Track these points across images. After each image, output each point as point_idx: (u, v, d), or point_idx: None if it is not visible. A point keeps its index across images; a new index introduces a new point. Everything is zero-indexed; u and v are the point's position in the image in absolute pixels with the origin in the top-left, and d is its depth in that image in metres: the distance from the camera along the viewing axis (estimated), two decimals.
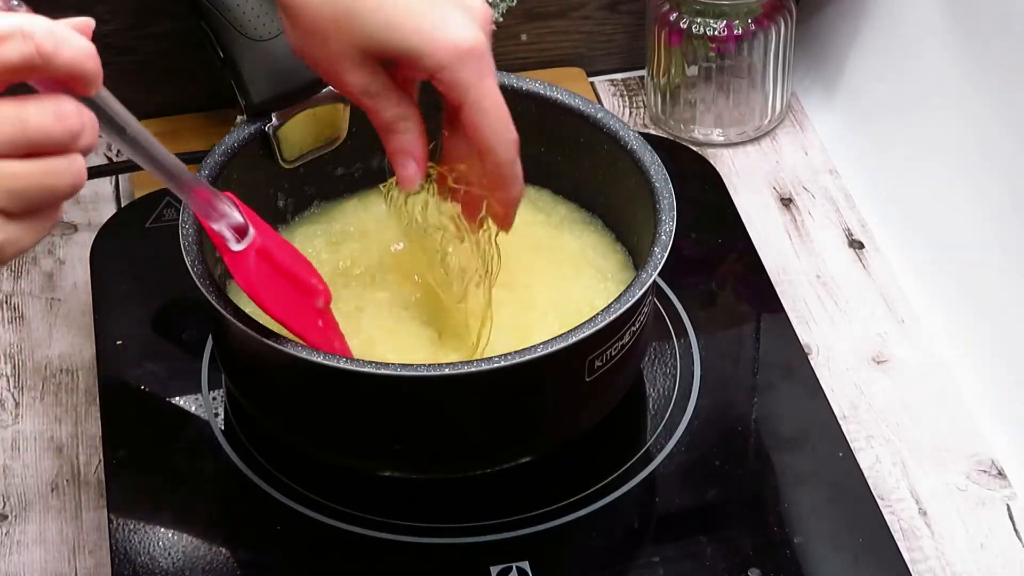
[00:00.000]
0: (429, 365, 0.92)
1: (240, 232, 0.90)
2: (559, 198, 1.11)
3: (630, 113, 1.37)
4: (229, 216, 0.89)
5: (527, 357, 0.91)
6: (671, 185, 1.00)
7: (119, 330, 1.12)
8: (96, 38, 1.34)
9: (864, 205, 1.27)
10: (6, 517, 1.05)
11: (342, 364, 0.91)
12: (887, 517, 1.01)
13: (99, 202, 1.27)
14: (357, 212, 1.11)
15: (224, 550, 0.99)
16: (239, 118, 1.06)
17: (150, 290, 1.15)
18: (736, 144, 1.33)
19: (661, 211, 0.99)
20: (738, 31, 1.28)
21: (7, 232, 0.68)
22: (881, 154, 1.28)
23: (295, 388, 0.97)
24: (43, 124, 0.67)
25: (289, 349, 0.91)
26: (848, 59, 1.32)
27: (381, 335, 1.01)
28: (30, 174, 0.67)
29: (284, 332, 0.94)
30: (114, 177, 1.28)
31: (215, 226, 0.89)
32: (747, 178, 1.30)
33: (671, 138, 1.33)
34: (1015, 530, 1.03)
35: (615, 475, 1.02)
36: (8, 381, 1.14)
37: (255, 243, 0.90)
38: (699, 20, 1.28)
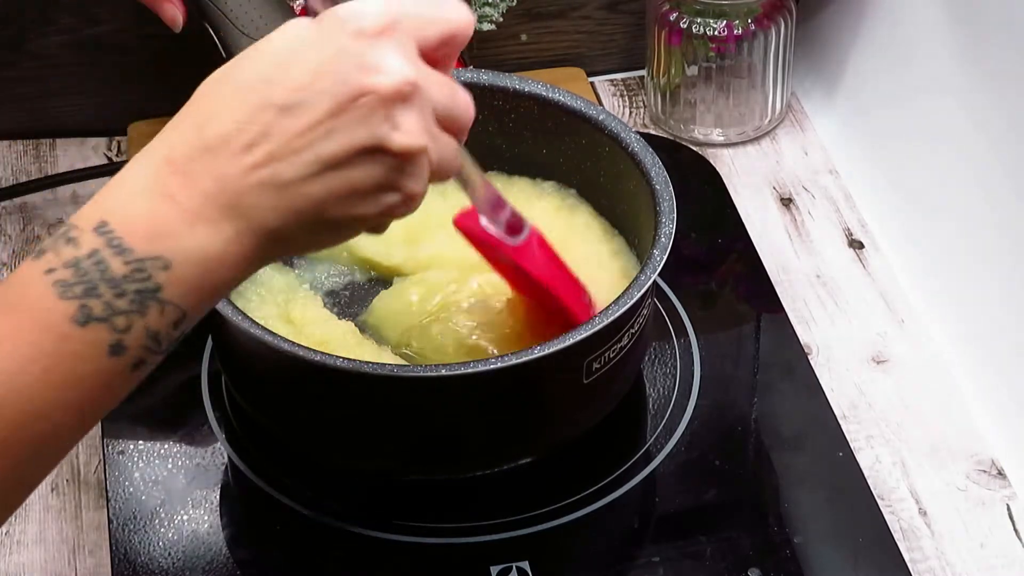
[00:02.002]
0: (427, 366, 0.92)
1: (512, 229, 0.92)
2: (558, 198, 1.11)
3: (630, 113, 1.37)
4: (508, 211, 0.91)
5: (524, 359, 0.91)
6: (672, 187, 1.00)
7: None
8: (96, 38, 1.35)
9: (864, 205, 1.27)
10: None
11: (341, 364, 0.91)
12: (887, 517, 1.01)
13: None
14: None
15: (224, 550, 0.99)
16: None
17: None
18: (736, 144, 1.33)
19: (661, 213, 0.99)
20: (738, 31, 1.28)
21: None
22: (881, 154, 1.28)
23: (294, 388, 0.97)
24: (465, 105, 0.75)
25: (288, 349, 0.91)
26: (848, 59, 1.32)
27: None
28: (450, 144, 0.75)
29: (288, 333, 0.94)
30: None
31: (492, 227, 0.91)
32: (747, 178, 1.30)
33: (671, 138, 1.33)
34: (1015, 530, 1.03)
35: (615, 475, 1.02)
36: None
37: (534, 231, 0.93)
38: (699, 20, 1.28)
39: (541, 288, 0.96)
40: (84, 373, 0.67)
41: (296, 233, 0.71)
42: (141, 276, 0.67)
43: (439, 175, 0.75)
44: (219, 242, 0.69)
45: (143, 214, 0.68)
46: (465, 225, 0.95)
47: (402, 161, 0.72)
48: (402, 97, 0.71)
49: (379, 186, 0.72)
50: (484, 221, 0.92)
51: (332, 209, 0.71)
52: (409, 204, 0.74)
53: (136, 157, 0.71)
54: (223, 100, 0.70)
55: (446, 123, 0.74)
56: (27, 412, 0.66)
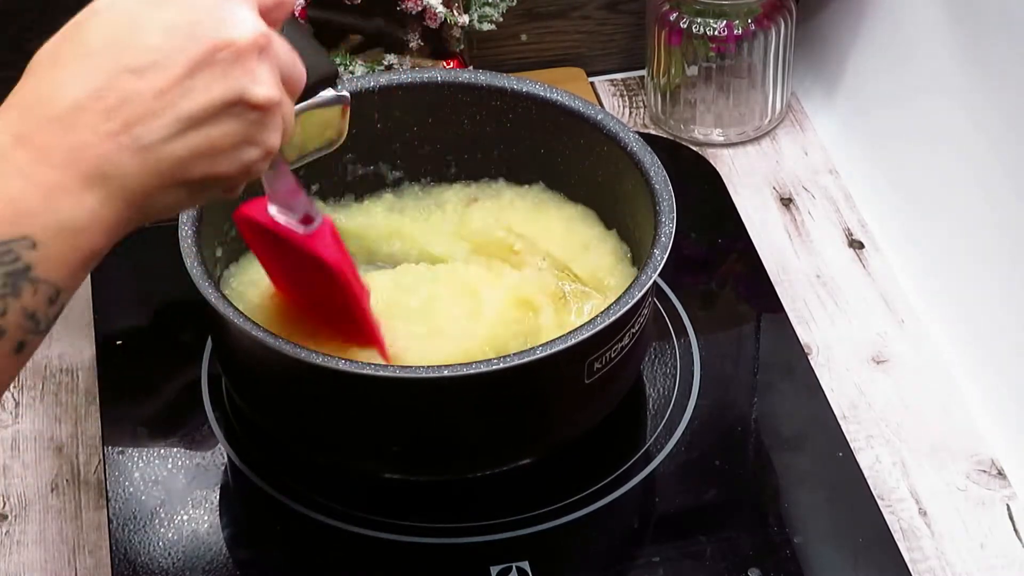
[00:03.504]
0: (429, 367, 0.92)
1: (306, 219, 0.92)
2: (558, 199, 1.11)
3: (630, 113, 1.37)
4: (303, 199, 0.91)
5: (526, 359, 0.91)
6: (671, 187, 1.00)
7: (119, 330, 1.12)
8: None
9: (864, 205, 1.27)
10: (6, 517, 1.05)
11: (342, 366, 0.91)
12: (887, 517, 1.01)
13: None
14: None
15: (224, 550, 0.99)
16: None
17: (150, 290, 1.15)
18: (736, 144, 1.33)
19: (661, 213, 0.99)
20: (738, 31, 1.28)
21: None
22: (881, 154, 1.28)
23: (294, 390, 0.97)
24: (301, 67, 0.76)
25: (288, 350, 0.91)
26: (848, 59, 1.32)
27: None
28: (291, 105, 0.76)
29: (272, 330, 0.94)
30: None
31: (283, 217, 0.91)
32: (747, 178, 1.30)
33: (671, 138, 1.33)
34: (1015, 530, 1.03)
35: (615, 475, 1.02)
36: None
37: (327, 220, 0.92)
38: (699, 20, 1.28)
39: (334, 280, 0.94)
40: None
41: (160, 194, 0.71)
42: (9, 258, 0.66)
43: (285, 135, 0.75)
44: (83, 212, 0.68)
45: (1, 196, 0.67)
46: (250, 215, 0.93)
47: (261, 114, 0.72)
48: (259, 48, 0.71)
49: (240, 141, 0.72)
50: (274, 210, 0.91)
51: (194, 168, 0.71)
52: (265, 160, 0.74)
53: None
54: (70, 68, 0.69)
55: (287, 82, 0.74)
56: None
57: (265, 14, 0.74)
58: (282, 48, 0.74)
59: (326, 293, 0.96)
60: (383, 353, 0.97)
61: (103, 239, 0.69)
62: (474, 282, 1.03)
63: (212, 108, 0.70)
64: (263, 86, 0.72)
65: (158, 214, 0.72)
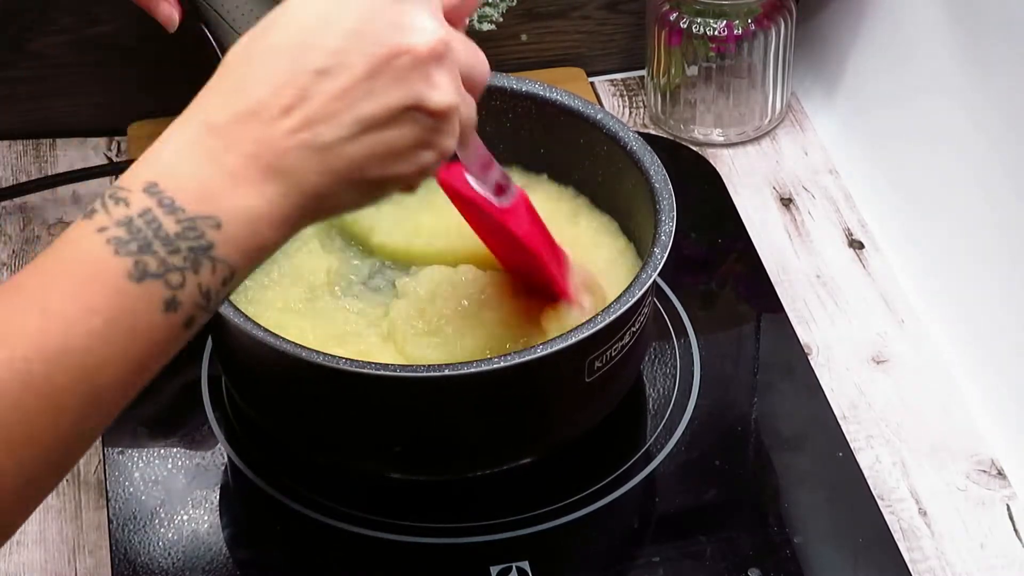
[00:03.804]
0: (429, 366, 0.92)
1: (500, 190, 0.93)
2: (557, 198, 1.11)
3: (630, 113, 1.37)
4: (497, 171, 0.92)
5: (527, 358, 0.91)
6: (671, 186, 1.00)
7: None
8: (96, 38, 1.35)
9: (864, 205, 1.27)
10: None
11: (342, 365, 0.91)
12: (887, 517, 1.01)
13: None
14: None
15: (224, 550, 0.99)
16: None
17: None
18: (736, 144, 1.33)
19: (661, 211, 0.99)
20: (738, 31, 1.28)
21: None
22: (881, 154, 1.28)
23: (295, 389, 0.97)
24: (484, 63, 0.77)
25: (289, 350, 0.91)
26: (848, 59, 1.32)
27: None
28: (472, 103, 0.78)
29: (285, 331, 0.94)
30: (114, 177, 1.28)
31: (479, 187, 0.92)
32: (747, 178, 1.30)
33: (671, 138, 1.33)
34: (1015, 530, 1.03)
35: (615, 475, 1.02)
36: None
37: (521, 194, 0.94)
38: (699, 20, 1.28)
39: (526, 252, 0.96)
40: (139, 328, 0.68)
41: (335, 193, 0.72)
42: (194, 234, 0.68)
43: (464, 134, 0.77)
44: (264, 203, 0.70)
45: (190, 175, 0.69)
46: (450, 182, 0.95)
47: (438, 120, 0.73)
48: (437, 56, 0.73)
49: (416, 144, 0.74)
50: (471, 179, 0.93)
51: (370, 169, 0.73)
52: (440, 162, 0.76)
53: (174, 123, 0.72)
54: (258, 65, 0.72)
55: (468, 82, 0.76)
56: (87, 365, 0.67)
57: (449, 13, 0.75)
58: (464, 51, 0.75)
59: (523, 258, 0.98)
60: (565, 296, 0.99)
61: (279, 231, 0.71)
62: (472, 281, 1.03)
63: (390, 112, 0.72)
64: (440, 92, 0.73)
65: (333, 211, 0.74)
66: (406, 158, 0.74)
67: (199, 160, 0.70)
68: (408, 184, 0.76)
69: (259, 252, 0.71)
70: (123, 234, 0.68)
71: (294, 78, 0.71)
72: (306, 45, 0.71)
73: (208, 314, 0.70)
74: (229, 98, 0.71)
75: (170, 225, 0.68)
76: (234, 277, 0.70)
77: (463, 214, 1.00)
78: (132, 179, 0.70)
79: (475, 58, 0.76)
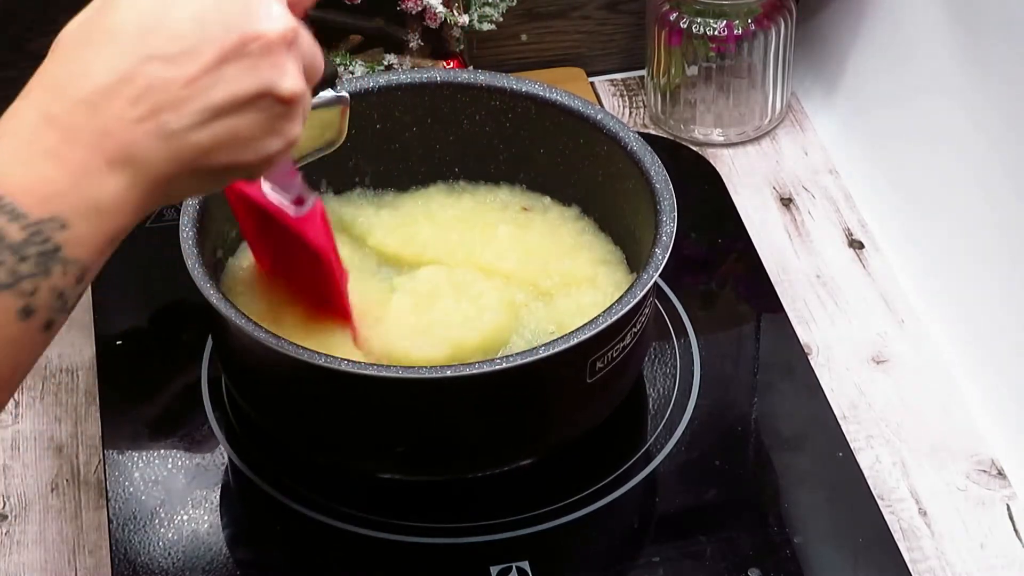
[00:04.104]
0: (430, 367, 0.92)
1: (299, 201, 0.93)
2: (558, 199, 1.11)
3: (630, 113, 1.37)
4: (298, 180, 0.92)
5: (529, 359, 0.91)
6: (671, 186, 1.00)
7: (119, 330, 1.12)
8: None
9: (864, 205, 1.27)
10: (6, 517, 1.05)
11: (343, 366, 0.91)
12: (887, 517, 1.01)
13: None
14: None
15: (224, 550, 0.99)
16: None
17: (150, 290, 1.15)
18: (736, 144, 1.33)
19: (662, 212, 0.99)
20: (738, 31, 1.28)
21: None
22: (881, 154, 1.28)
23: (295, 390, 0.97)
24: (320, 57, 0.77)
25: (289, 351, 0.91)
26: (848, 59, 1.32)
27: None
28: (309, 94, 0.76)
29: (271, 330, 0.94)
30: None
31: (276, 196, 0.92)
32: (747, 178, 1.30)
33: (671, 138, 1.33)
34: (1015, 530, 1.03)
35: (615, 475, 1.02)
36: None
37: (318, 203, 0.93)
38: (699, 20, 1.28)
39: (319, 260, 0.95)
40: None
41: (181, 180, 0.72)
42: (40, 239, 0.67)
43: (303, 124, 0.76)
44: (109, 195, 0.69)
45: (31, 176, 0.68)
46: (244, 192, 0.94)
47: (286, 106, 0.73)
48: (287, 43, 0.72)
49: (264, 132, 0.73)
50: (267, 188, 0.93)
51: (217, 156, 0.72)
52: (287, 150, 0.75)
53: (7, 116, 0.70)
54: (98, 49, 0.70)
55: (308, 73, 0.75)
56: None
57: (292, 6, 0.75)
58: (306, 40, 0.75)
59: (308, 272, 0.97)
60: (353, 334, 0.99)
61: (126, 220, 0.70)
62: (471, 283, 1.03)
63: (239, 99, 0.71)
64: (291, 79, 0.72)
65: (178, 198, 0.74)
66: (254, 145, 0.73)
67: (40, 158, 0.68)
68: (252, 172, 0.75)
69: (109, 244, 0.70)
70: None
71: (140, 64, 0.69)
72: (151, 30, 0.70)
73: (66, 314, 0.69)
74: (68, 85, 0.69)
75: (15, 233, 0.67)
76: (87, 274, 0.69)
77: (245, 227, 0.99)
78: None
79: (315, 50, 0.76)
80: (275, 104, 0.72)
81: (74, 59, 0.70)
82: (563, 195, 1.11)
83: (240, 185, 0.94)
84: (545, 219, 1.10)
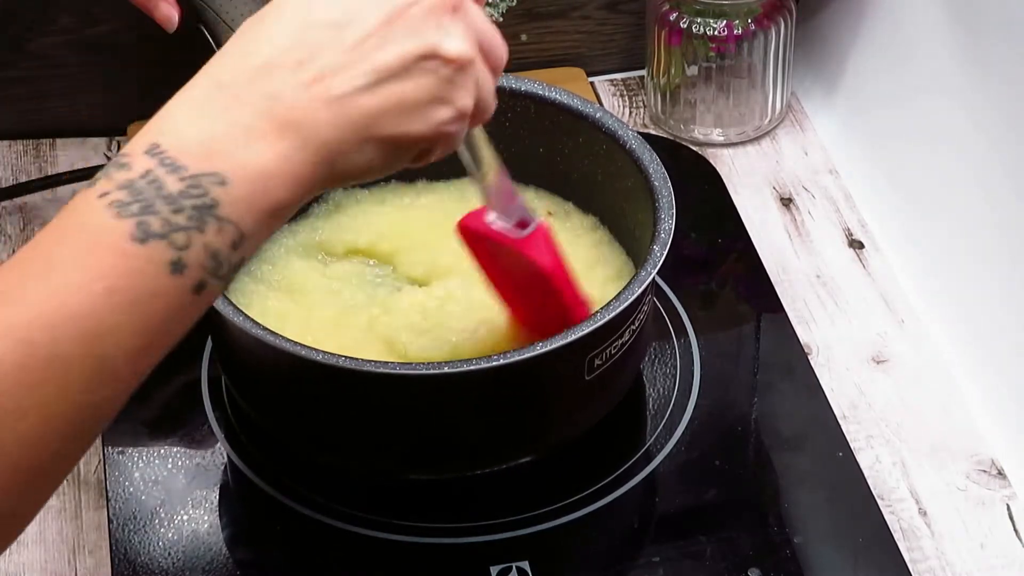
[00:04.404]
0: (428, 364, 0.92)
1: (522, 224, 0.93)
2: (558, 198, 1.11)
3: (630, 113, 1.37)
4: (519, 203, 0.93)
5: (527, 355, 0.91)
6: (670, 184, 1.00)
7: None
8: (96, 38, 1.35)
9: (864, 205, 1.27)
10: None
11: (341, 363, 0.91)
12: (887, 517, 1.01)
13: None
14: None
15: (224, 550, 0.99)
16: None
17: None
18: (736, 144, 1.33)
19: (660, 210, 0.99)
20: (738, 31, 1.28)
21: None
22: (881, 154, 1.28)
23: (294, 388, 0.97)
24: (502, 43, 0.77)
25: (288, 348, 0.91)
26: (848, 59, 1.32)
27: None
28: (490, 79, 0.76)
29: (282, 331, 0.94)
30: None
31: (500, 223, 0.93)
32: (747, 178, 1.30)
33: (671, 138, 1.33)
34: (1015, 530, 1.03)
35: (615, 475, 1.02)
36: None
37: (542, 224, 0.93)
38: (699, 20, 1.28)
39: (547, 282, 0.95)
40: (146, 291, 0.66)
41: (350, 149, 0.71)
42: (197, 192, 0.67)
43: (481, 108, 0.76)
44: (273, 158, 0.69)
45: (195, 134, 0.68)
46: (470, 226, 0.95)
47: (453, 70, 0.73)
48: (451, 6, 0.73)
49: (431, 97, 0.72)
50: (492, 217, 0.93)
51: (385, 123, 0.71)
52: (457, 123, 0.74)
53: (182, 90, 0.70)
54: (267, 29, 0.71)
55: (485, 52, 0.75)
56: (92, 332, 0.65)
57: None
58: (479, 15, 0.75)
59: (542, 299, 0.96)
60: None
61: (291, 190, 0.69)
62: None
63: (404, 61, 0.71)
64: (455, 40, 0.72)
65: (349, 174, 0.72)
66: (422, 112, 0.72)
67: (204, 118, 0.68)
68: (423, 146, 0.74)
69: (271, 213, 0.69)
70: (125, 197, 0.66)
71: (306, 32, 0.70)
72: (315, 3, 0.71)
73: (220, 281, 0.68)
74: (239, 60, 0.70)
75: (173, 184, 0.66)
76: (244, 240, 0.68)
77: (480, 258, 0.98)
78: (136, 144, 0.68)
79: (492, 30, 0.76)
80: (442, 66, 0.72)
81: (248, 37, 0.71)
82: (579, 201, 1.10)
83: (466, 220, 0.95)
84: (565, 227, 1.09)
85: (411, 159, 0.75)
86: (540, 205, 1.10)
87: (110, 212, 0.66)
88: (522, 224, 0.93)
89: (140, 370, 0.68)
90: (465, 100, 0.74)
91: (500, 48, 0.76)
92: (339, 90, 0.70)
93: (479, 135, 0.85)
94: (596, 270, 1.07)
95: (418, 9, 0.72)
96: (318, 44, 0.70)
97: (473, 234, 0.96)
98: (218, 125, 0.68)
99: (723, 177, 1.26)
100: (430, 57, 0.72)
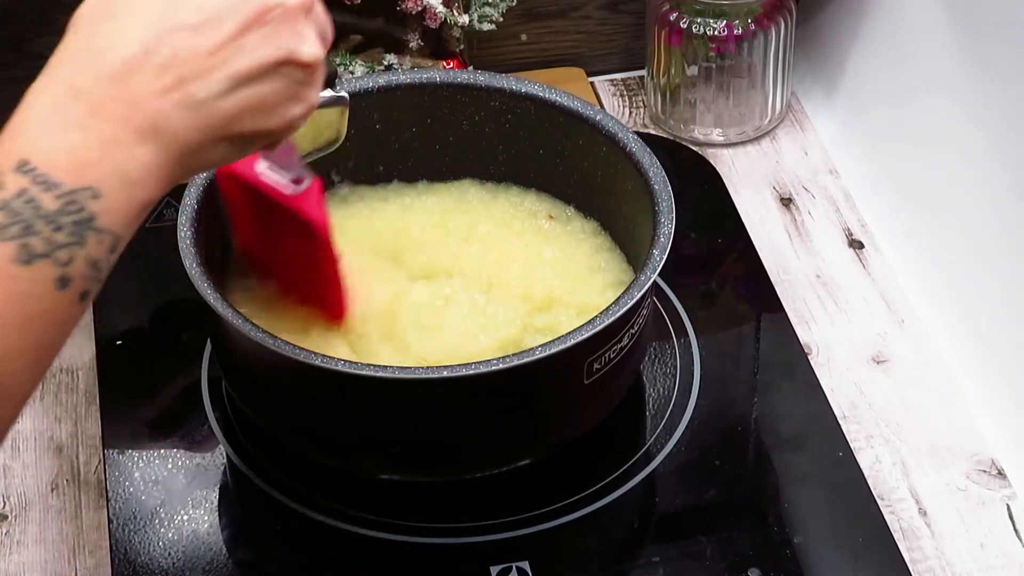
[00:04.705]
0: (428, 368, 0.92)
1: (296, 181, 0.94)
2: (558, 200, 1.11)
3: (630, 113, 1.37)
4: (296, 156, 0.93)
5: (525, 360, 0.91)
6: (670, 187, 1.00)
7: (119, 330, 1.12)
8: None
9: (864, 205, 1.27)
10: (6, 517, 1.05)
11: (341, 367, 0.91)
12: (887, 517, 1.01)
13: None
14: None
15: (224, 550, 0.99)
16: None
17: (150, 290, 1.15)
18: (736, 144, 1.33)
19: (660, 213, 0.99)
20: (738, 31, 1.28)
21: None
22: (881, 154, 1.28)
23: (294, 390, 0.97)
24: (329, 23, 0.78)
25: (288, 351, 0.91)
26: (848, 59, 1.32)
27: None
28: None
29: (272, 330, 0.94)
30: None
31: (273, 174, 0.93)
32: (747, 178, 1.30)
33: (671, 138, 1.33)
34: (1015, 530, 1.03)
35: (615, 475, 1.02)
36: None
37: (315, 183, 0.94)
38: (699, 20, 1.28)
39: (317, 237, 0.95)
40: (35, 311, 0.67)
41: (207, 148, 0.73)
42: (74, 208, 0.68)
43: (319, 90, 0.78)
44: (139, 165, 0.70)
45: (62, 147, 0.68)
46: (237, 172, 0.94)
47: (307, 72, 0.75)
48: (306, 9, 0.74)
49: (287, 98, 0.75)
50: (264, 167, 0.93)
51: (243, 123, 0.73)
52: (306, 115, 0.77)
53: (32, 92, 0.71)
54: (122, 21, 0.71)
55: (322, 40, 0.77)
56: None
57: None
58: (320, 8, 0.77)
59: (301, 254, 0.97)
60: (338, 315, 0.99)
61: (156, 190, 0.71)
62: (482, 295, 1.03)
63: (263, 66, 0.73)
64: (310, 45, 0.75)
65: (204, 167, 0.75)
66: (277, 111, 0.74)
67: (68, 129, 0.69)
68: (274, 139, 0.76)
69: (140, 213, 0.71)
70: (2, 219, 0.66)
71: (164, 35, 0.70)
72: (172, 1, 0.71)
73: (99, 284, 0.70)
74: (93, 59, 0.70)
75: (49, 203, 0.67)
76: (119, 243, 0.70)
77: (234, 208, 0.99)
78: (2, 158, 0.68)
79: (326, 18, 0.77)
80: (296, 70, 0.74)
81: (96, 33, 0.71)
82: (580, 205, 1.10)
83: (234, 165, 0.94)
84: (565, 231, 1.09)
85: (262, 147, 0.77)
86: (540, 208, 1.10)
87: None
88: (297, 181, 0.94)
89: (34, 381, 0.69)
90: (314, 95, 0.77)
91: (330, 32, 0.78)
92: (199, 96, 0.71)
93: None
94: (596, 276, 1.07)
95: (276, 14, 0.73)
96: (177, 48, 0.70)
97: (238, 180, 0.96)
98: (83, 136, 0.69)
99: (723, 177, 1.26)
100: (286, 63, 0.74)
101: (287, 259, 1.00)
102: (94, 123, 0.69)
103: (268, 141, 0.76)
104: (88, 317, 1.14)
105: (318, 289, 0.99)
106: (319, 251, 0.96)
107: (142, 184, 0.70)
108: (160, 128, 0.70)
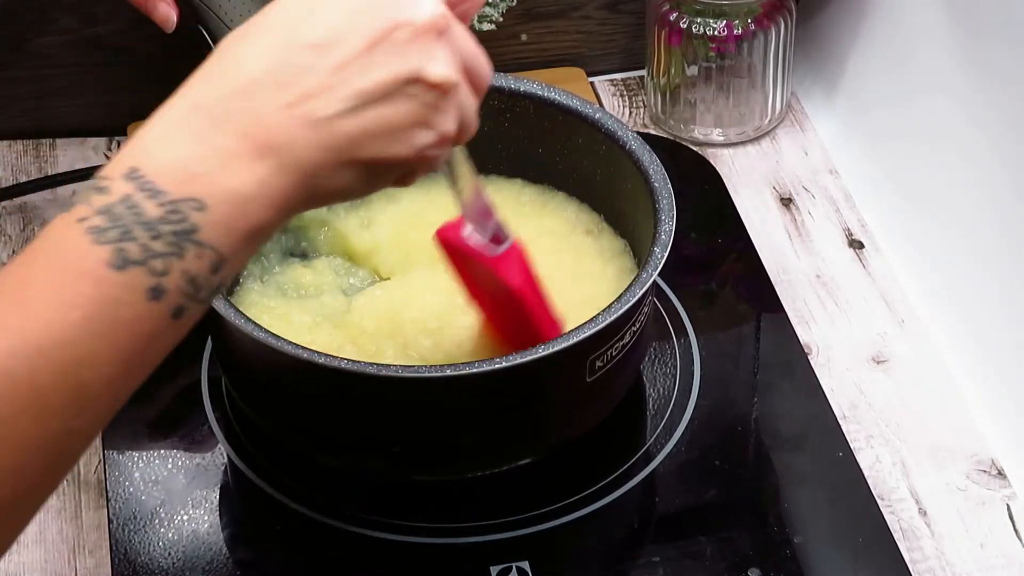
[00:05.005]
0: (430, 367, 0.92)
1: (496, 239, 0.93)
2: (558, 199, 1.11)
3: (630, 113, 1.37)
4: (495, 220, 0.92)
5: (528, 358, 0.91)
6: (670, 185, 1.00)
7: None
8: (96, 38, 1.35)
9: (864, 205, 1.27)
10: None
11: (342, 365, 0.91)
12: (887, 517, 1.01)
13: None
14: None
15: (224, 550, 0.99)
16: None
17: None
18: (736, 144, 1.33)
19: (660, 211, 0.99)
20: (738, 31, 1.28)
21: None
22: (881, 154, 1.28)
23: (294, 390, 0.97)
24: (486, 63, 0.75)
25: (288, 350, 0.91)
26: (848, 59, 1.32)
27: None
28: (473, 101, 0.75)
29: (282, 333, 0.94)
30: None
31: (475, 237, 0.92)
32: (747, 178, 1.30)
33: (671, 138, 1.33)
34: (1015, 530, 1.03)
35: (615, 475, 1.02)
36: None
37: (517, 243, 0.93)
38: (699, 20, 1.28)
39: (517, 301, 0.94)
40: (124, 319, 0.65)
41: (330, 173, 0.70)
42: (176, 217, 0.66)
43: (463, 130, 0.75)
44: (253, 181, 0.68)
45: (174, 157, 0.67)
46: (447, 238, 0.94)
47: (436, 95, 0.71)
48: (436, 29, 0.71)
49: (413, 122, 0.71)
50: (468, 231, 0.92)
51: (367, 147, 0.71)
52: (439, 147, 0.73)
53: (160, 110, 0.69)
54: (251, 47, 0.70)
55: (470, 74, 0.74)
56: (70, 360, 0.64)
57: (452, 6, 0.74)
58: (464, 38, 0.74)
59: (512, 313, 0.96)
60: None
61: (270, 212, 0.69)
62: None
63: (388, 85, 0.70)
64: (439, 64, 0.71)
65: (328, 195, 0.71)
66: (404, 137, 0.71)
67: (183, 141, 0.67)
68: (403, 170, 0.73)
69: (250, 236, 0.68)
70: (102, 222, 0.65)
71: (289, 53, 0.69)
72: (300, 20, 0.70)
73: (200, 304, 0.67)
74: (220, 78, 0.69)
75: (151, 210, 0.65)
76: (224, 264, 0.67)
77: (455, 268, 0.98)
78: (114, 167, 0.67)
79: (478, 51, 0.74)
80: (425, 91, 0.71)
81: (228, 55, 0.70)
82: (609, 218, 1.10)
83: (444, 231, 0.94)
84: (596, 247, 1.09)
85: (391, 181, 0.74)
86: (579, 221, 1.10)
87: (88, 238, 0.65)
88: (496, 240, 0.93)
89: (119, 396, 0.68)
90: (448, 124, 0.73)
91: (484, 68, 0.75)
92: (321, 113, 0.69)
93: (459, 154, 0.84)
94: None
95: (404, 32, 0.70)
96: (301, 66, 0.69)
97: (449, 245, 0.95)
98: (197, 148, 0.67)
99: (723, 177, 1.26)
100: (414, 82, 0.71)
101: (500, 307, 0.98)
102: (211, 136, 0.67)
103: (399, 172, 0.73)
104: None
105: (524, 335, 0.96)
106: (523, 310, 0.95)
107: (254, 203, 0.68)
108: (280, 145, 0.68)
